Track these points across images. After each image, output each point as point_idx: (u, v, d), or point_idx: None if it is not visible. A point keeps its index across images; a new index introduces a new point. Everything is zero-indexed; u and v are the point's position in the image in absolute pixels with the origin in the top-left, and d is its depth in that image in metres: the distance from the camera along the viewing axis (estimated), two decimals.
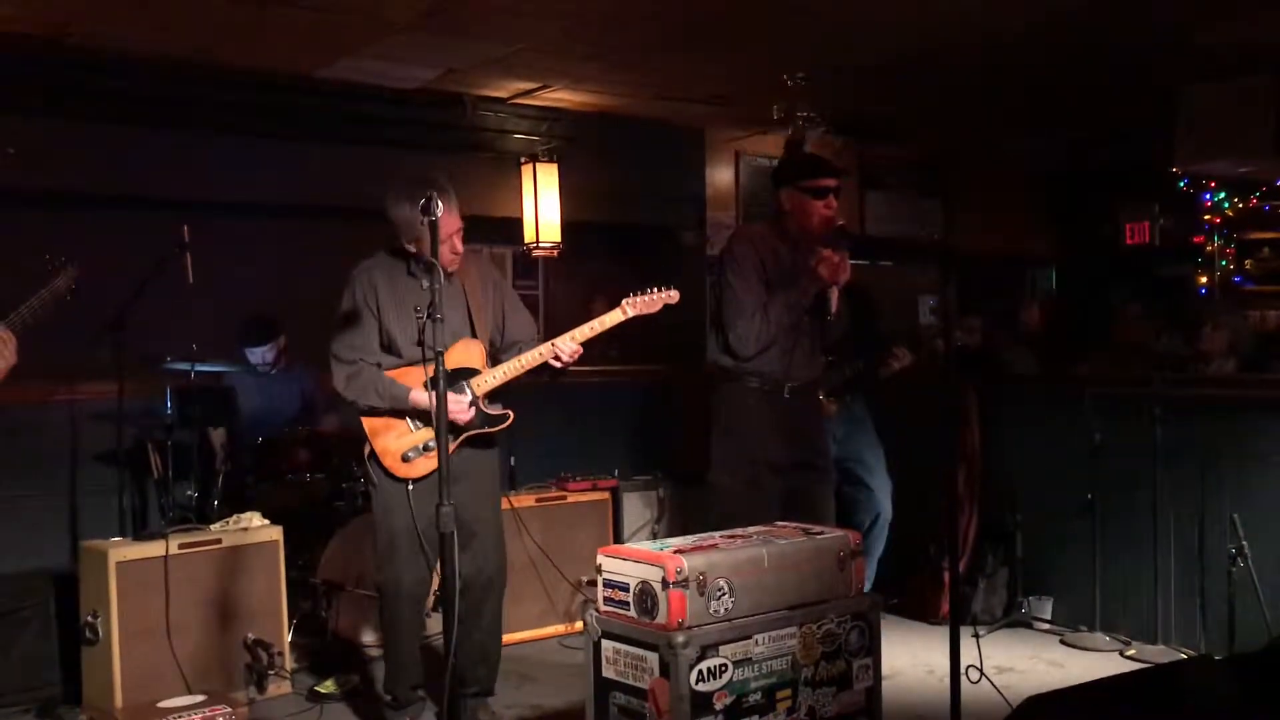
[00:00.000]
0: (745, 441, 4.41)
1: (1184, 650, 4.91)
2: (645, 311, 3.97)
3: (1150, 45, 5.65)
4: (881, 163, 8.14)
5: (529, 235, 6.51)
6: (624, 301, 3.98)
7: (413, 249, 3.89)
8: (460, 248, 3.93)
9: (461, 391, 3.90)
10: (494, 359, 4.06)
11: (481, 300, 4.06)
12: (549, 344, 3.95)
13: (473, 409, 3.91)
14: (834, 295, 4.40)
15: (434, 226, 3.24)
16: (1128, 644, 5.06)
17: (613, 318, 3.98)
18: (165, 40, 5.16)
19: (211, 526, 4.56)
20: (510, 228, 6.57)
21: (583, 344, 3.97)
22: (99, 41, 5.15)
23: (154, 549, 4.29)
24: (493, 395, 4.01)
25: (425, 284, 3.19)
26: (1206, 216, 8.50)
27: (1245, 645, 4.61)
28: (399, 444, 3.94)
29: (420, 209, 3.23)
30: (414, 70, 5.76)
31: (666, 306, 4.01)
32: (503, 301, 4.15)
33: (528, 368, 3.96)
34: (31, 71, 5.18)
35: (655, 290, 3.97)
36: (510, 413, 4.02)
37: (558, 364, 3.95)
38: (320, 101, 5.93)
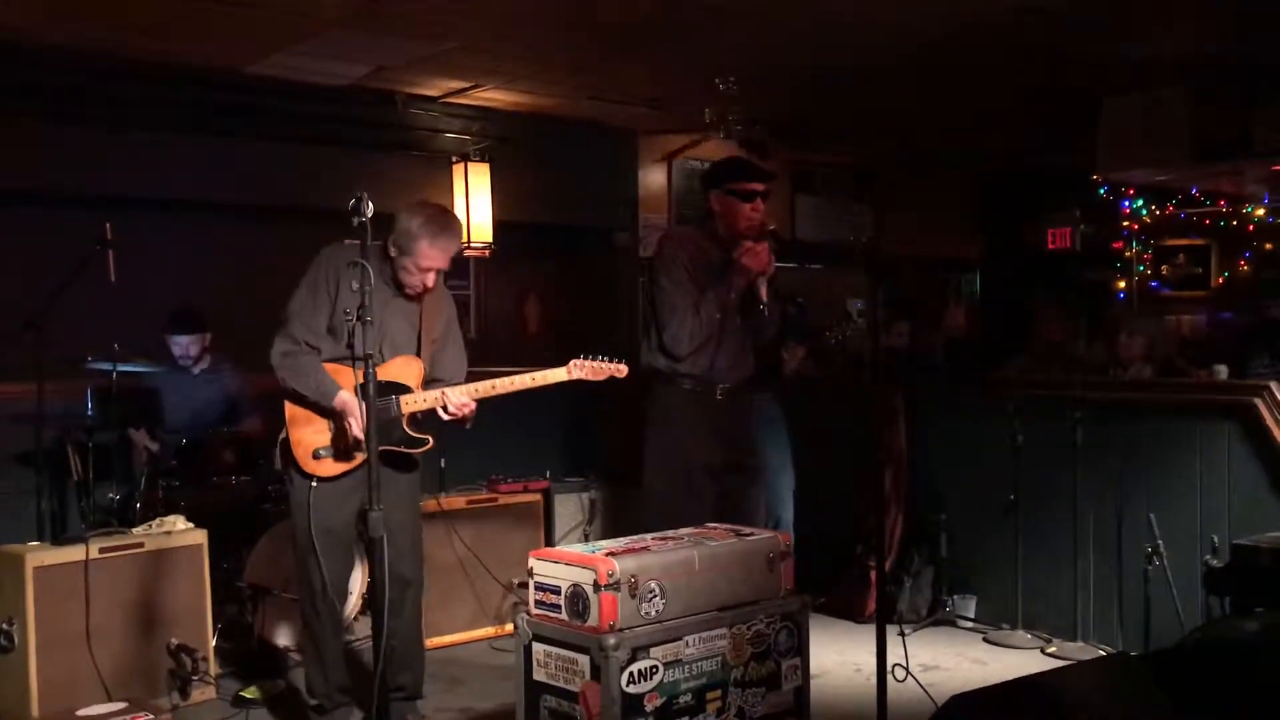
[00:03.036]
0: (678, 443, 4.43)
1: (1102, 647, 5.03)
2: (590, 377, 4.03)
3: (1071, 56, 5.79)
4: (811, 167, 8.23)
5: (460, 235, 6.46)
6: (572, 362, 4.02)
7: (393, 253, 3.88)
8: (432, 282, 3.94)
9: (388, 408, 3.89)
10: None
11: (433, 329, 4.07)
12: (440, 391, 3.93)
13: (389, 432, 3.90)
14: (762, 287, 4.44)
15: (364, 228, 3.22)
16: (1049, 641, 5.17)
17: (555, 375, 4.01)
18: (89, 33, 5.05)
19: (133, 530, 4.47)
20: None
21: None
22: (17, 34, 5.02)
23: (73, 553, 4.19)
24: (416, 418, 4.00)
25: (355, 286, 3.19)
26: (1126, 223, 8.73)
27: (1160, 641, 4.74)
28: (313, 439, 3.90)
29: (350, 209, 3.21)
30: (345, 67, 5.70)
31: (610, 374, 4.07)
32: (446, 337, 4.14)
33: (429, 406, 3.94)
34: None
35: (605, 359, 4.04)
36: (430, 439, 4.01)
37: (445, 416, 3.94)
38: (249, 98, 5.84)
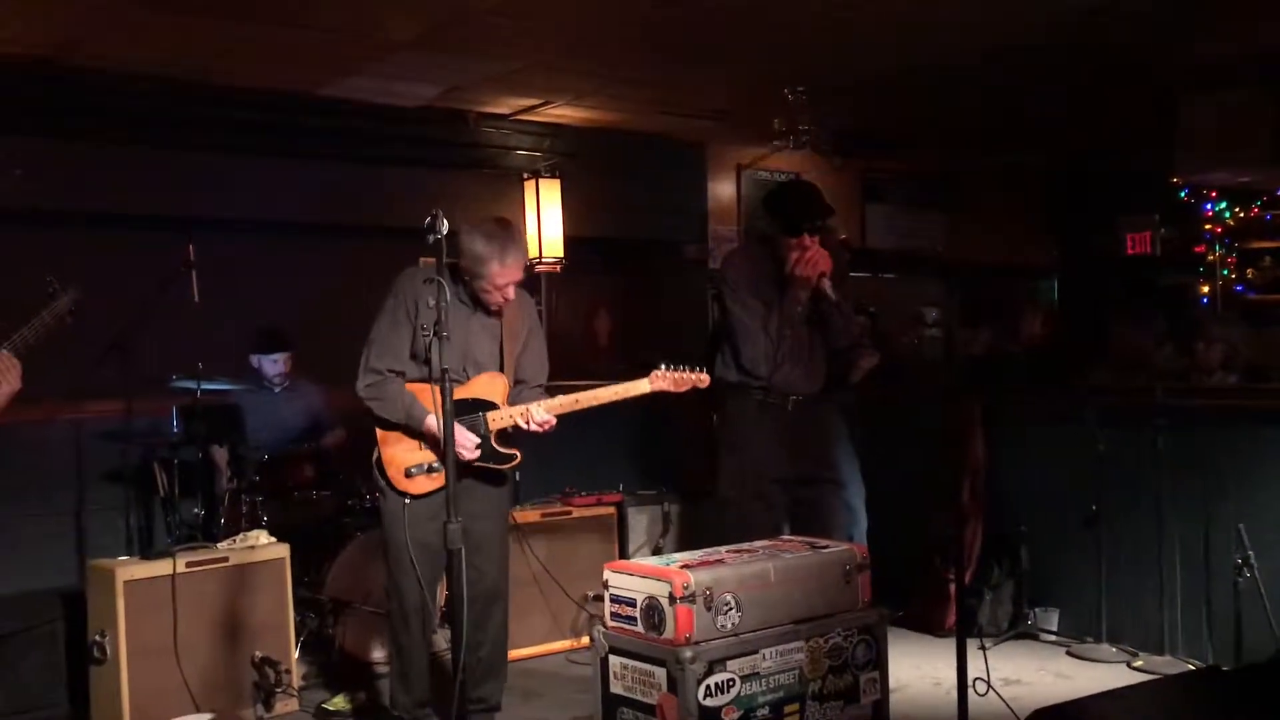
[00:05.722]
0: (750, 455, 4.42)
1: (1191, 661, 4.91)
2: (672, 389, 3.96)
3: (1149, 56, 5.68)
4: (883, 175, 8.17)
5: (532, 251, 6.52)
6: (654, 373, 3.96)
7: (467, 277, 3.92)
8: (512, 295, 3.97)
9: (476, 426, 3.93)
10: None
11: (515, 341, 4.08)
12: (523, 407, 3.93)
13: (479, 448, 3.94)
14: (825, 285, 4.39)
15: (439, 245, 3.26)
16: (1135, 655, 5.05)
17: (638, 387, 3.97)
18: (168, 60, 5.19)
19: (218, 545, 4.56)
20: None
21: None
22: (102, 62, 5.18)
23: (161, 568, 4.29)
24: (504, 434, 4.02)
25: (431, 301, 3.23)
26: (1208, 226, 8.51)
27: (1252, 656, 4.61)
28: (405, 457, 3.96)
29: (425, 226, 3.26)
30: (416, 88, 5.79)
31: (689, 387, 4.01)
32: (527, 343, 4.16)
33: (513, 422, 3.97)
34: (34, 91, 5.20)
35: (687, 369, 3.97)
36: (518, 454, 4.02)
37: (525, 428, 3.94)
38: (323, 120, 5.95)
